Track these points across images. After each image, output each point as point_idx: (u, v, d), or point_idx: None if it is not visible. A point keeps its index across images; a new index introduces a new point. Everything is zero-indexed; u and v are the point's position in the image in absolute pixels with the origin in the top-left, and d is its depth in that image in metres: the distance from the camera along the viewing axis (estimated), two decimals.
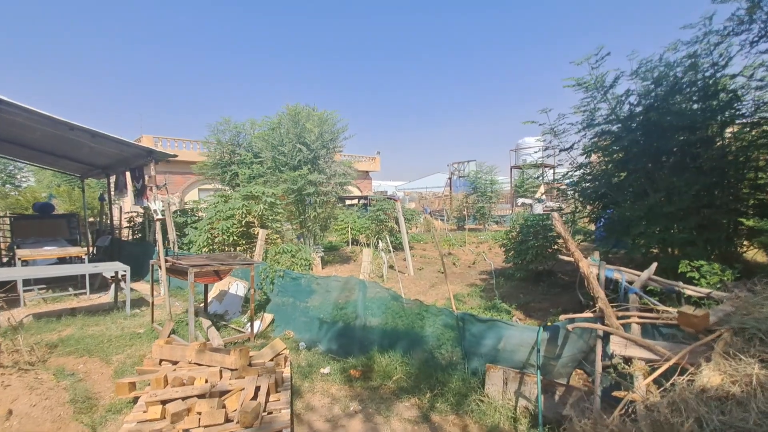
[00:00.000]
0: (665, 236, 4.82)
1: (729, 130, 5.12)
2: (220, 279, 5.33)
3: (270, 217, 7.35)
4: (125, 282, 7.24)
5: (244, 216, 7.09)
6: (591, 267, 3.60)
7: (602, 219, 13.30)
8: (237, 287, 6.92)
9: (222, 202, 8.13)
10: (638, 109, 5.01)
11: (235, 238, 7.24)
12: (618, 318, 2.97)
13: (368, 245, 14.51)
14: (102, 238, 11.24)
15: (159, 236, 5.65)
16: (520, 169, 25.32)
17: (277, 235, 7.36)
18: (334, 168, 9.90)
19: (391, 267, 10.90)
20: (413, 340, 4.32)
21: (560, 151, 6.05)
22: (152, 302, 5.97)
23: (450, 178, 29.77)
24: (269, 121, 9.58)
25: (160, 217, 5.54)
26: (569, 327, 2.91)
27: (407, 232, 14.24)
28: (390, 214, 13.66)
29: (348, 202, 24.53)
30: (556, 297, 7.21)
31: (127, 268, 7.00)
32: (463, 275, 9.54)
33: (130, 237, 12.17)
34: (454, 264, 10.98)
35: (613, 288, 4.10)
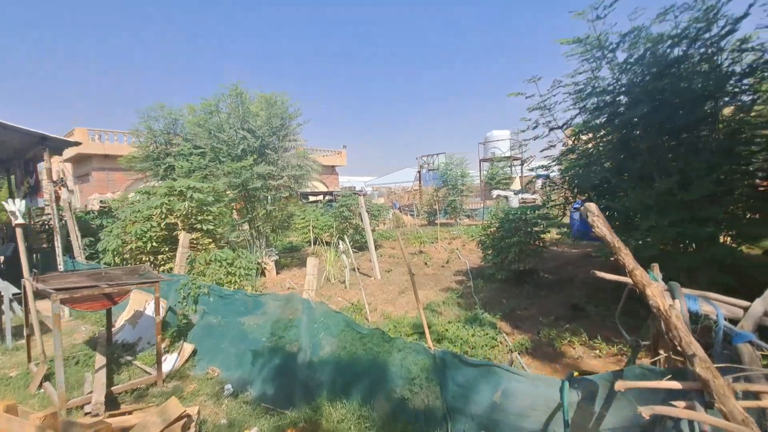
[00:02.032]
0: (685, 230, 3.89)
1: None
2: (114, 303, 3.91)
3: (200, 218, 5.92)
4: (15, 303, 5.62)
5: (163, 217, 5.62)
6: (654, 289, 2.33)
7: (574, 208, 12.71)
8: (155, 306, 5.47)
9: (145, 198, 6.58)
10: (646, 76, 4.05)
11: (154, 244, 5.76)
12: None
13: (330, 244, 13.21)
14: (4, 247, 9.27)
15: (58, 242, 4.13)
16: (490, 162, 24.78)
17: (210, 240, 5.96)
18: (288, 159, 8.53)
19: (355, 270, 9.69)
20: (376, 382, 3.13)
21: (550, 130, 5.05)
22: (27, 335, 4.45)
23: (419, 172, 28.87)
24: (206, 103, 8.06)
25: (20, 221, 4.02)
26: (620, 387, 1.78)
27: (374, 230, 13.08)
28: (355, 210, 12.42)
29: (312, 198, 23.01)
30: (543, 300, 6.27)
31: (6, 286, 5.37)
32: (437, 277, 8.47)
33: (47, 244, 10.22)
34: (426, 264, 9.91)
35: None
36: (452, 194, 18.21)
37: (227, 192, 8.06)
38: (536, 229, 6.78)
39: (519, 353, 4.36)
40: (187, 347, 4.59)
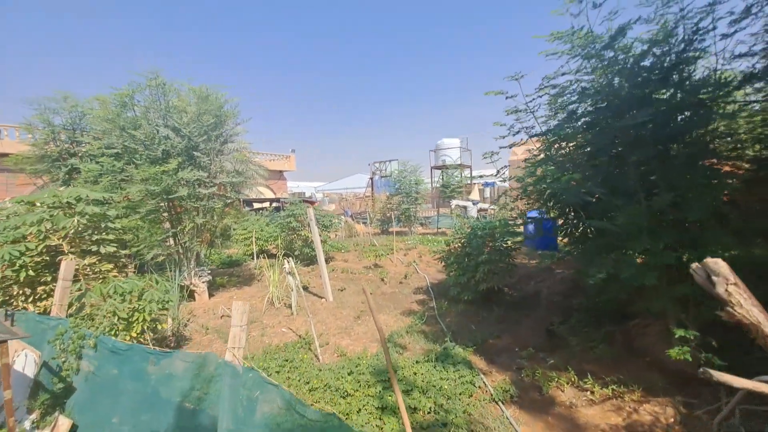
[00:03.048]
0: (682, 254, 3.40)
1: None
2: None
3: (96, 238, 4.52)
4: None
5: (42, 238, 4.18)
6: None
7: (529, 218, 12.63)
8: (25, 360, 4.04)
9: (26, 210, 5.02)
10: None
11: (30, 273, 4.30)
12: None
13: (276, 257, 11.92)
14: None
15: None
16: (441, 169, 24.73)
17: (111, 266, 4.59)
18: (222, 164, 7.25)
19: (305, 288, 8.59)
20: None
21: (530, 137, 4.43)
22: None
23: (371, 178, 28.14)
24: (118, 93, 6.58)
25: None
26: None
27: (325, 241, 12.00)
28: (303, 221, 11.28)
29: (257, 205, 21.30)
30: (515, 326, 5.68)
31: None
32: (396, 297, 7.65)
33: None
34: (383, 280, 9.07)
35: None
36: (406, 202, 17.63)
37: (145, 201, 6.61)
38: (507, 245, 6.20)
39: (503, 401, 3.63)
40: (63, 422, 3.30)
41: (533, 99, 4.21)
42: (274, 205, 20.47)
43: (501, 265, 6.11)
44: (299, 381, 4.05)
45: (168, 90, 6.87)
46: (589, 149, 4.26)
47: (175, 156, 6.66)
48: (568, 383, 3.85)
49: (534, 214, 12.39)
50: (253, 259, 12.18)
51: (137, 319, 4.33)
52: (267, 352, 4.97)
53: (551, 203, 5.01)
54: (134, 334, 4.36)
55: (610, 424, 3.26)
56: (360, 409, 3.40)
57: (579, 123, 4.17)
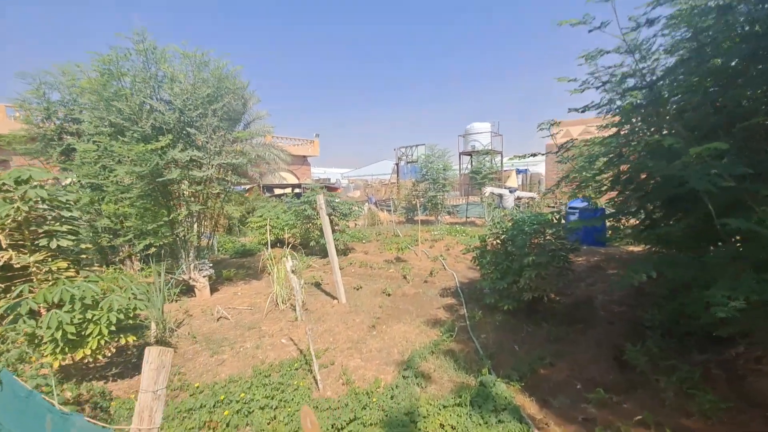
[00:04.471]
0: None
1: None
2: None
3: (45, 228, 3.65)
4: None
5: None
6: None
7: (570, 207, 11.00)
8: None
9: None
10: None
11: None
12: None
13: (287, 245, 11.07)
14: None
15: None
16: (471, 155, 23.10)
17: (65, 264, 3.74)
18: (221, 143, 6.29)
19: (317, 285, 7.63)
20: None
21: (647, 85, 3.07)
22: None
23: (397, 164, 26.91)
24: (103, 58, 5.72)
25: None
26: None
27: (344, 231, 11.02)
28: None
29: (278, 191, 20.64)
30: (570, 347, 4.44)
31: None
32: (419, 300, 6.54)
33: None
34: (405, 278, 7.96)
35: None
36: (433, 189, 16.33)
37: (132, 184, 5.78)
38: (564, 245, 4.91)
39: None
40: None
41: (639, 26, 2.80)
42: (296, 191, 19.71)
43: (553, 269, 4.84)
44: (285, 428, 3.04)
45: (159, 57, 5.92)
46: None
47: (165, 132, 5.74)
48: None
49: (578, 203, 10.85)
50: (267, 248, 11.40)
51: (91, 333, 3.45)
52: (257, 373, 4.01)
53: (630, 191, 3.69)
54: (88, 352, 3.49)
55: None
56: None
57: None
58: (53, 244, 3.61)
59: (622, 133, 3.99)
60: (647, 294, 5.68)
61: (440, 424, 2.94)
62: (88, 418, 1.67)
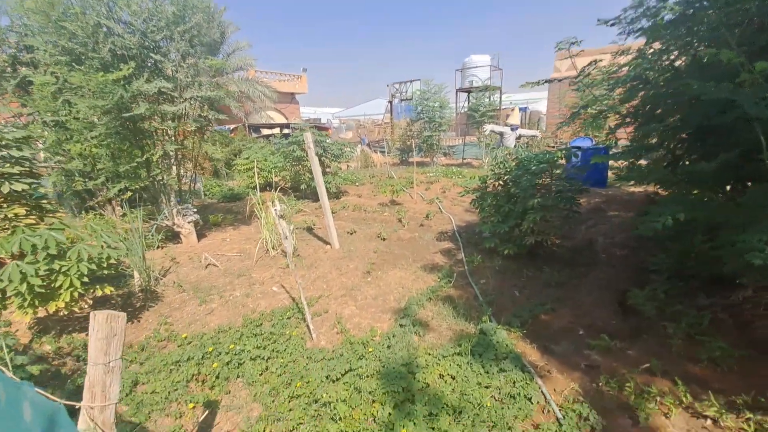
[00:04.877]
0: None
1: None
2: None
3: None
4: None
5: None
6: None
7: (573, 146, 10.55)
8: None
9: None
10: None
11: None
12: None
13: (285, 190, 10.66)
14: None
15: None
16: (468, 92, 21.92)
17: (24, 210, 3.32)
18: (193, 73, 5.55)
19: (309, 230, 7.37)
20: None
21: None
22: None
23: (390, 102, 25.57)
24: None
25: None
26: None
27: (336, 173, 10.55)
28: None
29: (265, 131, 19.65)
30: (571, 292, 4.32)
31: None
32: (415, 244, 6.33)
33: None
34: (400, 221, 7.72)
35: None
36: (428, 129, 15.58)
37: (97, 121, 5.18)
38: (570, 186, 4.58)
39: None
40: None
41: None
42: (284, 131, 18.77)
43: (559, 211, 4.56)
44: (278, 380, 2.90)
45: None
46: None
47: (127, 60, 5.02)
48: (674, 403, 2.54)
49: (579, 142, 10.39)
50: (256, 192, 10.98)
51: (62, 285, 3.16)
52: (248, 322, 3.84)
53: (654, 122, 3.27)
54: (61, 305, 3.23)
55: None
56: None
57: None
58: (5, 188, 3.18)
59: (648, 53, 3.48)
60: (649, 237, 5.52)
61: (439, 375, 2.81)
62: (38, 390, 1.40)
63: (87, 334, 3.70)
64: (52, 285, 3.17)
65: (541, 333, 3.53)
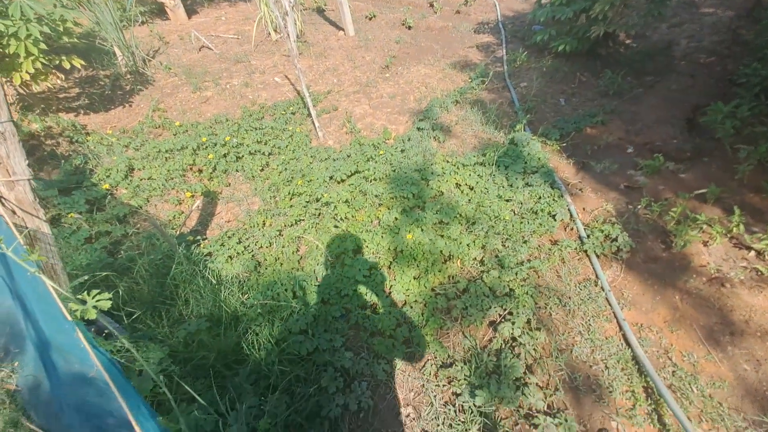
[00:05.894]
0: None
1: None
2: None
3: None
4: None
5: None
6: None
7: None
8: None
9: None
10: None
11: None
12: None
13: None
14: None
15: None
16: None
17: None
18: None
19: (319, 11, 6.04)
20: None
21: None
22: None
23: None
24: None
25: None
26: None
27: None
28: None
29: None
30: (631, 105, 3.56)
31: None
32: (447, 37, 5.17)
33: None
34: (432, 5, 6.18)
35: None
36: None
37: None
38: None
39: (599, 255, 2.18)
40: None
41: None
42: None
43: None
44: (279, 177, 2.66)
45: None
46: None
47: None
48: (720, 232, 2.23)
49: None
50: None
51: (18, 51, 2.62)
52: (247, 114, 3.41)
53: None
54: (26, 76, 2.78)
55: None
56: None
57: None
58: None
59: None
60: (746, 43, 4.27)
61: (456, 184, 2.49)
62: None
63: (75, 115, 3.40)
64: (7, 51, 2.63)
65: (582, 148, 3.03)
